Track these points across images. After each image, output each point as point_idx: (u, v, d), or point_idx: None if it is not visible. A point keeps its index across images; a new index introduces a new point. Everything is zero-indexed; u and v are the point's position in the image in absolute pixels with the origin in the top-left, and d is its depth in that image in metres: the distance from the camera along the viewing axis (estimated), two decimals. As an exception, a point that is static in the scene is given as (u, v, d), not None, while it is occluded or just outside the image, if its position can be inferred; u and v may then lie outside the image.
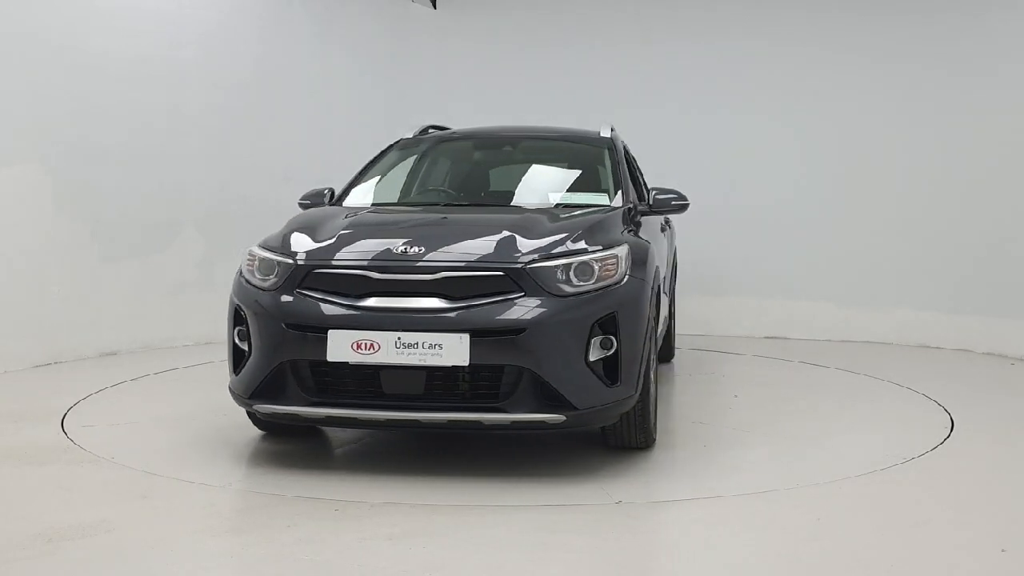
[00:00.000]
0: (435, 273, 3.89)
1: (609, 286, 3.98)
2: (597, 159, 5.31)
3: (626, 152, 5.86)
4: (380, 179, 5.54)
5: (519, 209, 4.75)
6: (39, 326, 6.65)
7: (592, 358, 3.88)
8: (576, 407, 3.83)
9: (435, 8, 9.63)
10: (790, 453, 4.52)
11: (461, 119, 7.16)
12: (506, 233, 4.14)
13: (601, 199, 4.97)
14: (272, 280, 4.10)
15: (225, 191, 7.72)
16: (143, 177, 7.29)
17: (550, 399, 3.83)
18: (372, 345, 3.82)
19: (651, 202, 5.00)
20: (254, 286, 4.15)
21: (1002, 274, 7.46)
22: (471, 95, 9.29)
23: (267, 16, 8.34)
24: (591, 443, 4.56)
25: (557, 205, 4.90)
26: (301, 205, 5.22)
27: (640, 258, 4.25)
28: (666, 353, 6.79)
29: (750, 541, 3.31)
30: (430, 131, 6.00)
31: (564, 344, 3.84)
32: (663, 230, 5.99)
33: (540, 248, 4.02)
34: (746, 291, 8.31)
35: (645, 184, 6.13)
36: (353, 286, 3.96)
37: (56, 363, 6.72)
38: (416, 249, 3.99)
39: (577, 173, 5.49)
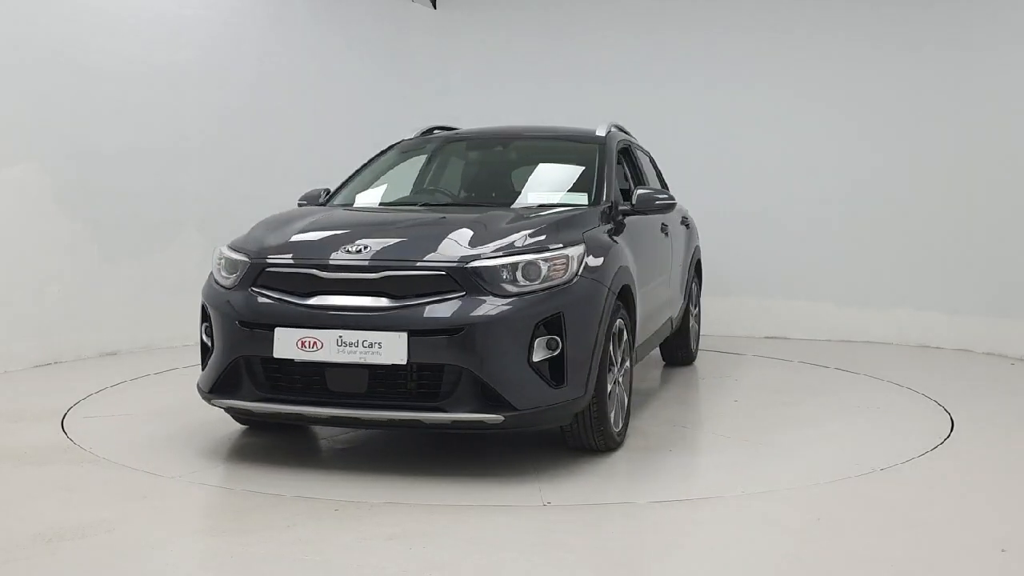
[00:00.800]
0: (379, 272, 3.93)
1: (557, 286, 3.96)
2: (587, 158, 5.25)
3: (630, 151, 5.84)
4: (373, 179, 5.59)
5: (487, 208, 4.75)
6: (39, 326, 6.65)
7: (536, 359, 3.86)
8: (516, 408, 3.81)
9: (435, 8, 9.63)
10: (761, 460, 4.40)
11: (461, 119, 7.16)
12: (456, 232, 4.15)
13: (580, 198, 4.93)
14: (233, 278, 4.20)
15: (225, 191, 7.73)
16: (143, 177, 7.29)
17: (490, 399, 3.81)
18: (316, 343, 3.86)
19: (634, 201, 4.94)
20: (219, 284, 4.27)
21: (1002, 274, 7.46)
22: (471, 95, 9.29)
23: (267, 16, 8.34)
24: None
25: (537, 205, 4.88)
26: (300, 205, 5.26)
27: (598, 258, 4.21)
28: (684, 356, 6.76)
29: (750, 541, 3.31)
30: (435, 132, 6.01)
31: (504, 344, 3.81)
32: (665, 231, 5.84)
33: (485, 247, 4.01)
34: (746, 291, 8.31)
35: (654, 183, 6.16)
36: (302, 284, 4.02)
37: (56, 363, 6.72)
38: (364, 248, 4.04)
39: (563, 172, 5.47)
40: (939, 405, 5.48)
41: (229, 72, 7.92)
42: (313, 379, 3.96)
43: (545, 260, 3.98)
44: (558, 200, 4.96)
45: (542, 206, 4.81)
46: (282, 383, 4.03)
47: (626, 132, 6.23)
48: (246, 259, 4.18)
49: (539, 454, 4.38)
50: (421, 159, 5.79)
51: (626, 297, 4.54)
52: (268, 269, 4.10)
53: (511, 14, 9.45)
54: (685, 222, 6.68)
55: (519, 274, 3.93)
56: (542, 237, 4.14)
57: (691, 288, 6.74)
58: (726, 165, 8.40)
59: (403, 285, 3.90)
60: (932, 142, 7.82)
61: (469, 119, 7.30)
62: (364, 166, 5.71)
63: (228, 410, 4.31)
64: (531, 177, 5.55)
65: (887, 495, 3.84)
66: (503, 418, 3.81)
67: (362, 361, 3.84)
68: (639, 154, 6.13)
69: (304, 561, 3.06)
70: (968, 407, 5.43)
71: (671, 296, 6.00)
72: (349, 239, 4.13)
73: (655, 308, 5.47)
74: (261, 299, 4.05)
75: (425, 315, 3.82)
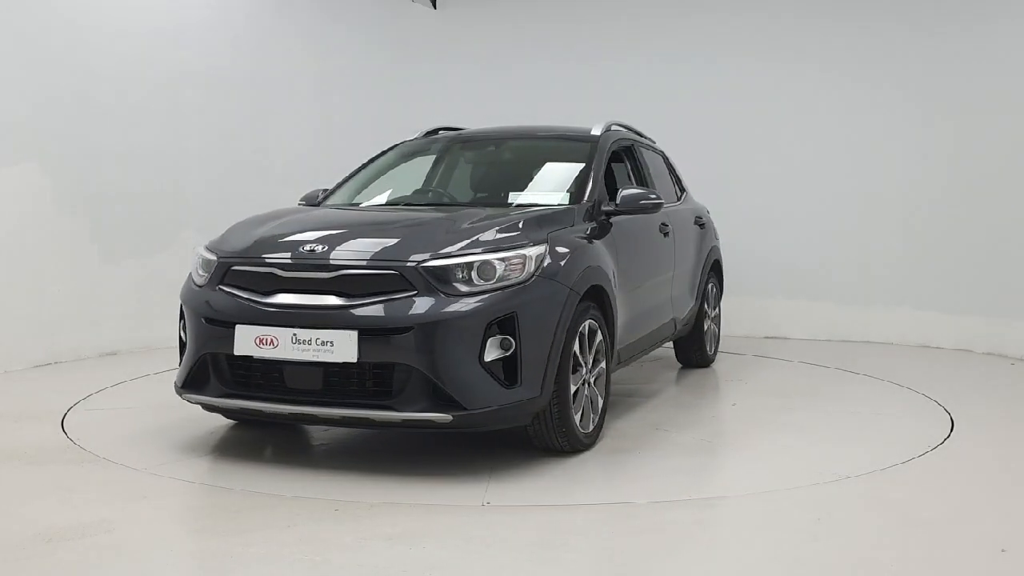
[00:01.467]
0: (333, 271, 3.97)
1: (511, 286, 3.95)
2: (576, 158, 5.22)
3: (632, 150, 5.80)
4: (368, 180, 5.65)
5: (468, 208, 4.79)
6: (39, 326, 6.66)
7: (488, 358, 3.86)
8: (465, 407, 3.81)
9: (435, 8, 9.63)
10: (717, 467, 4.39)
11: (461, 119, 7.17)
12: (414, 232, 4.19)
13: (561, 198, 4.90)
14: (205, 277, 4.32)
15: (225, 191, 7.73)
16: (143, 177, 7.30)
17: (440, 398, 3.82)
18: (272, 340, 3.93)
19: (618, 202, 4.89)
20: (194, 283, 4.39)
21: (1002, 274, 7.46)
22: (471, 95, 9.29)
23: (267, 16, 8.34)
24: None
25: (515, 204, 4.90)
26: (299, 206, 5.29)
27: (561, 258, 4.19)
28: (700, 359, 6.66)
29: (750, 541, 3.31)
30: (440, 132, 6.03)
31: (454, 343, 3.81)
32: (665, 231, 5.73)
33: (439, 247, 4.01)
34: (746, 291, 8.31)
35: (663, 183, 6.12)
36: (263, 283, 4.10)
37: (56, 363, 6.72)
38: (322, 247, 4.08)
39: (550, 172, 5.45)
40: (939, 405, 5.48)
41: (229, 72, 7.93)
42: (273, 376, 4.02)
43: (501, 260, 3.99)
44: (538, 200, 4.93)
45: (520, 206, 4.83)
46: (244, 380, 4.10)
47: (634, 131, 6.20)
48: (215, 258, 4.29)
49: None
50: (419, 159, 5.82)
51: (599, 298, 4.52)
52: (233, 268, 4.19)
53: (511, 14, 9.44)
54: (700, 222, 6.59)
55: (473, 274, 3.94)
56: (502, 237, 4.13)
57: (706, 289, 6.61)
58: (725, 165, 8.40)
59: (356, 284, 3.94)
60: (932, 142, 7.81)
61: (469, 119, 7.30)
62: (363, 166, 5.77)
63: (202, 406, 4.36)
64: (517, 177, 5.56)
65: (887, 495, 3.84)
66: (452, 418, 3.82)
67: (315, 359, 3.89)
68: (646, 153, 6.08)
69: (304, 561, 3.05)
70: (968, 407, 5.42)
71: (675, 296, 5.93)
72: (310, 239, 4.18)
73: (650, 309, 5.43)
74: (226, 297, 4.15)
75: (374, 314, 3.86)
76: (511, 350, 3.90)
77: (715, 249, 6.87)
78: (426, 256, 3.94)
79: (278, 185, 8.05)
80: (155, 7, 7.40)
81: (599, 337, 4.48)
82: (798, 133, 8.32)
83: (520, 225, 4.28)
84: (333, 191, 5.53)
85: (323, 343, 3.86)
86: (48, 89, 6.69)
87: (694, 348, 6.62)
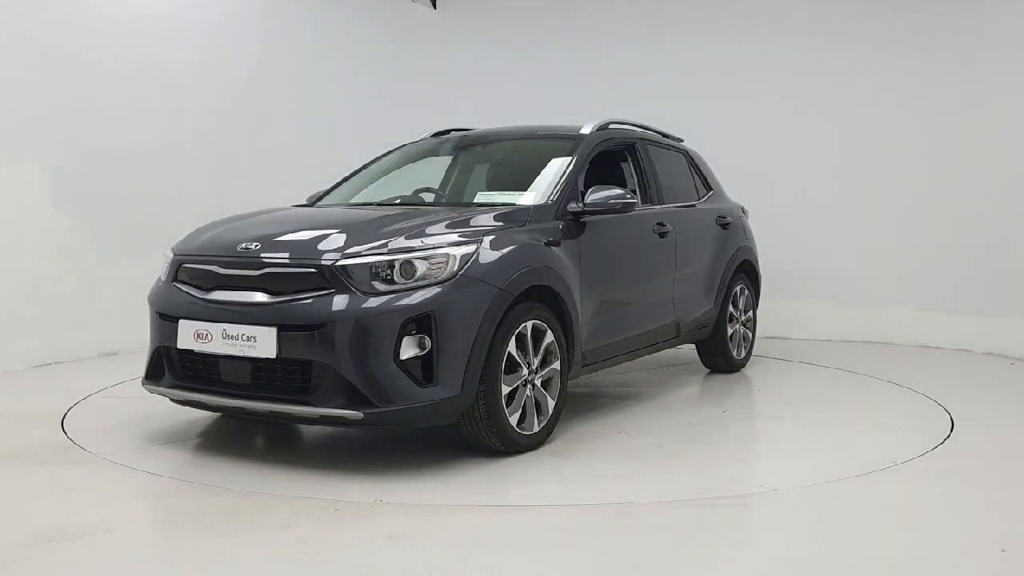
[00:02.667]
0: (261, 269, 4.09)
1: (431, 285, 3.97)
2: (555, 157, 5.17)
3: (635, 149, 5.72)
4: (363, 180, 5.72)
5: (421, 207, 4.91)
6: (39, 326, 6.66)
7: (404, 356, 3.88)
8: (376, 405, 3.85)
9: (435, 8, 9.64)
10: (687, 471, 4.27)
11: (461, 119, 7.18)
12: (343, 230, 4.20)
13: (525, 197, 4.86)
14: (164, 274, 4.53)
15: (225, 192, 7.73)
16: (143, 177, 7.30)
17: (354, 395, 3.87)
18: (207, 335, 4.11)
19: (586, 202, 4.84)
20: (160, 280, 4.59)
21: (1002, 274, 7.46)
22: (471, 95, 9.30)
23: (267, 17, 8.34)
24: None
25: (477, 204, 4.94)
26: (290, 206, 5.37)
27: (491, 258, 4.17)
28: (726, 363, 6.46)
29: (750, 541, 3.31)
30: (452, 133, 6.06)
31: (367, 341, 3.84)
32: (662, 232, 5.58)
33: (360, 245, 4.05)
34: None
35: (676, 182, 6.05)
36: (205, 280, 4.27)
37: (56, 363, 6.72)
38: (255, 246, 4.20)
39: (524, 171, 5.38)
40: (939, 405, 5.48)
41: (229, 72, 7.93)
42: (212, 369, 4.17)
43: (423, 259, 4.01)
44: (505, 199, 4.91)
45: (481, 205, 4.86)
46: (191, 372, 4.27)
47: (651, 128, 6.13)
48: (171, 256, 4.52)
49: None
50: (417, 160, 5.84)
51: (551, 299, 4.50)
52: (184, 265, 4.39)
53: (511, 14, 9.45)
54: (723, 222, 6.43)
55: (395, 272, 3.97)
56: (430, 236, 4.15)
57: (731, 291, 6.43)
58: (725, 166, 8.38)
59: (280, 282, 4.04)
60: (931, 142, 7.81)
61: (469, 119, 7.31)
62: (364, 166, 5.84)
63: (168, 398, 4.51)
64: (496, 177, 5.57)
65: (887, 495, 3.84)
66: (363, 415, 3.86)
67: (242, 354, 4.01)
68: (656, 151, 5.98)
69: (304, 561, 3.05)
70: (968, 407, 5.42)
71: (679, 298, 5.77)
72: (250, 237, 4.29)
73: (638, 310, 5.34)
74: (176, 293, 4.35)
75: (292, 311, 3.95)
76: (428, 349, 3.91)
77: (744, 250, 6.63)
78: (344, 254, 4.01)
79: (278, 185, 8.06)
80: (155, 7, 7.40)
81: (549, 339, 4.45)
82: (796, 133, 8.32)
83: (452, 225, 4.30)
84: (329, 191, 5.68)
85: (248, 338, 3.99)
86: (48, 89, 6.69)
87: (717, 352, 6.43)
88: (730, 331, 6.47)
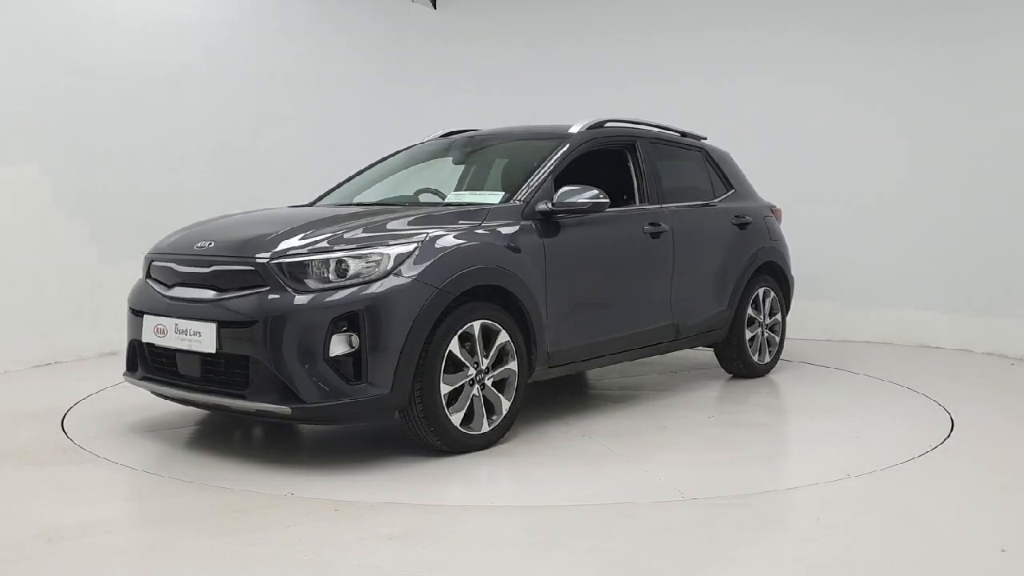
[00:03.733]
0: (210, 266, 4.26)
1: (363, 283, 4.02)
2: (536, 156, 5.17)
3: (635, 149, 5.65)
4: (361, 181, 5.76)
5: (390, 206, 4.95)
6: (39, 326, 6.66)
7: (334, 354, 3.93)
8: (303, 401, 3.91)
9: (435, 8, 9.64)
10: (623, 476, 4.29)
11: (461, 119, 7.18)
12: (287, 229, 4.28)
13: (492, 197, 4.89)
14: (143, 271, 4.76)
15: (225, 191, 7.74)
16: (143, 177, 7.30)
17: (283, 391, 3.95)
18: (164, 329, 4.31)
19: (554, 201, 4.82)
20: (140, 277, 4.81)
21: (1002, 274, 7.46)
22: (471, 95, 9.30)
23: (267, 16, 8.34)
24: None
25: (444, 203, 4.99)
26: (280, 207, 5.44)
27: (431, 258, 4.19)
28: (744, 368, 6.27)
29: (750, 541, 3.31)
30: (463, 134, 6.08)
31: (296, 338, 3.92)
32: (656, 233, 5.44)
33: (298, 244, 4.13)
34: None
35: (684, 182, 5.98)
36: (168, 276, 4.49)
37: (56, 363, 6.72)
38: (209, 244, 4.37)
39: (504, 171, 5.42)
40: (939, 405, 5.48)
41: (229, 72, 7.93)
42: (172, 363, 4.36)
43: (357, 257, 4.07)
44: (476, 199, 4.93)
45: (449, 204, 4.90)
46: (155, 365, 4.49)
47: (659, 126, 6.04)
48: (146, 254, 4.76)
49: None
50: (422, 160, 5.86)
51: (508, 299, 4.50)
52: (153, 263, 4.63)
53: (511, 14, 9.45)
54: (741, 222, 6.24)
55: (328, 271, 4.04)
56: (369, 235, 4.21)
57: (749, 293, 6.23)
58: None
59: (224, 279, 4.20)
60: (931, 142, 7.81)
61: (470, 119, 7.31)
62: (368, 167, 5.90)
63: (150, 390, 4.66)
64: (475, 176, 5.58)
65: (887, 495, 3.84)
66: (290, 410, 3.93)
67: (190, 348, 4.19)
68: (664, 150, 5.89)
69: (304, 561, 3.05)
70: (968, 407, 5.42)
71: (679, 300, 5.62)
72: (210, 236, 4.46)
73: (625, 312, 5.25)
74: (146, 289, 4.60)
75: (230, 308, 4.08)
76: (357, 347, 3.96)
77: (768, 251, 6.41)
78: (280, 253, 4.09)
79: (277, 185, 8.06)
80: (155, 6, 7.41)
81: (503, 339, 4.45)
82: (795, 133, 8.31)
83: (396, 224, 4.34)
84: (332, 190, 5.74)
85: (194, 333, 4.16)
86: (48, 89, 6.69)
87: (734, 356, 6.25)
88: (750, 335, 6.27)
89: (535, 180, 4.91)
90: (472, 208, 4.69)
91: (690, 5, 8.78)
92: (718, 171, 6.40)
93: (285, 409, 3.94)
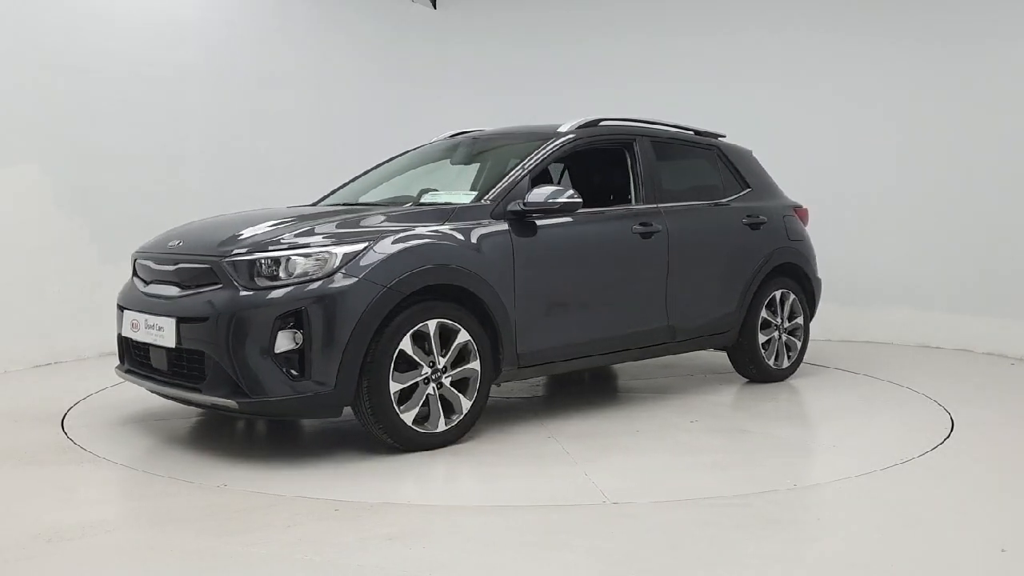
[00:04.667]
0: (175, 264, 4.44)
1: (310, 281, 4.10)
2: (519, 156, 5.16)
3: (632, 147, 5.57)
4: (362, 181, 5.80)
5: (378, 207, 5.01)
6: (39, 326, 6.66)
7: (279, 350, 4.02)
8: (249, 395, 4.03)
9: (435, 8, 9.64)
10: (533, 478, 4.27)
11: (461, 119, 7.17)
12: (247, 228, 4.45)
13: (465, 197, 4.91)
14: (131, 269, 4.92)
15: (225, 191, 7.74)
16: (143, 177, 7.30)
17: (232, 385, 4.08)
18: (138, 324, 4.50)
19: (525, 202, 4.81)
20: None
21: (1002, 274, 7.46)
22: (471, 95, 9.30)
23: (267, 16, 8.34)
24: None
25: (410, 204, 5.01)
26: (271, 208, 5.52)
27: (379, 257, 4.24)
28: (759, 373, 6.10)
29: (750, 541, 3.30)
30: (467, 134, 6.09)
31: (243, 334, 4.03)
32: (646, 233, 5.34)
33: (249, 243, 4.26)
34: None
35: (717, 180, 5.94)
36: (146, 274, 4.68)
37: (56, 363, 6.72)
38: (178, 243, 4.59)
39: (485, 171, 5.40)
40: (939, 405, 5.48)
41: (229, 72, 7.93)
42: (146, 356, 4.53)
43: (304, 256, 4.16)
44: (450, 199, 4.95)
45: (421, 204, 4.95)
46: (135, 359, 4.67)
47: (655, 124, 5.91)
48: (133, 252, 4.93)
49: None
50: (427, 160, 5.86)
51: (469, 299, 4.51)
52: (137, 260, 4.81)
53: (511, 14, 9.45)
54: (753, 222, 6.07)
55: (278, 269, 4.15)
56: (319, 234, 4.30)
57: (762, 295, 6.03)
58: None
59: (187, 277, 4.36)
60: (932, 141, 7.81)
61: (469, 119, 7.31)
62: (375, 166, 5.96)
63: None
64: (466, 176, 5.57)
65: (887, 495, 3.84)
66: (237, 404, 4.06)
67: (155, 342, 4.36)
68: (663, 149, 5.78)
69: (304, 561, 3.05)
70: (968, 407, 5.42)
71: (675, 299, 5.50)
72: (180, 235, 4.67)
73: (603, 313, 5.16)
74: (131, 286, 4.79)
75: (187, 304, 4.25)
76: (300, 344, 4.05)
77: (785, 251, 6.21)
78: (232, 251, 4.23)
79: (277, 185, 8.06)
80: (155, 6, 7.41)
81: (463, 338, 4.46)
82: (795, 134, 8.31)
83: (349, 224, 4.42)
84: (336, 190, 5.78)
85: (159, 329, 4.33)
86: (48, 89, 6.69)
87: (746, 360, 6.08)
88: (764, 338, 6.08)
89: (508, 180, 4.92)
90: (438, 208, 4.73)
91: (690, 4, 8.78)
92: (732, 169, 6.26)
93: (232, 403, 4.06)
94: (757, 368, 6.11)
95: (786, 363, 6.29)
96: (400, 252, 4.31)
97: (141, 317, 4.45)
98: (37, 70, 6.63)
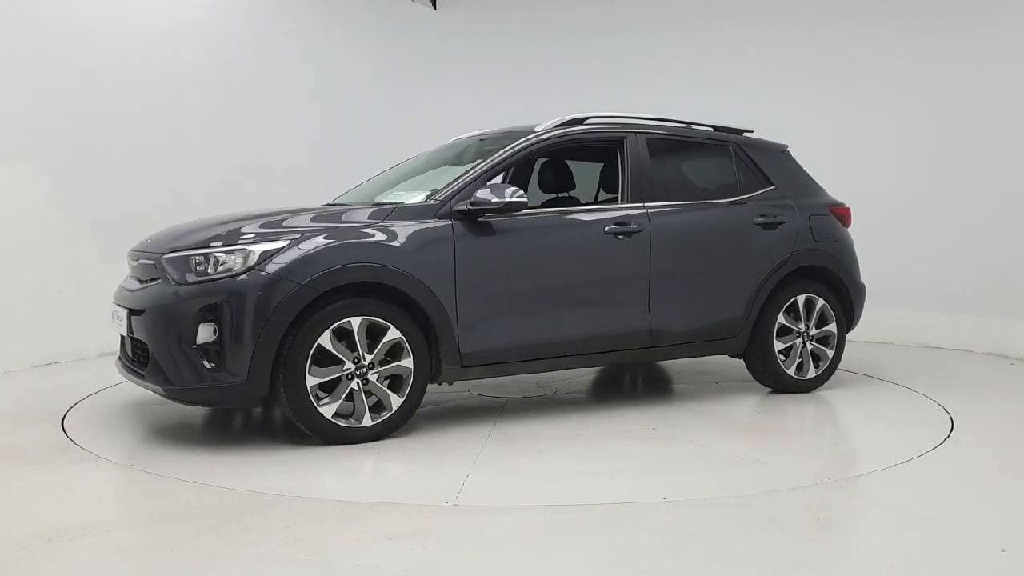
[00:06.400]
0: (137, 261, 4.79)
1: (230, 277, 4.32)
2: (485, 156, 5.16)
3: (622, 146, 5.43)
4: (368, 182, 5.81)
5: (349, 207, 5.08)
6: (39, 326, 6.66)
7: (200, 342, 4.26)
8: (172, 383, 4.33)
9: (435, 8, 9.64)
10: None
11: (461, 119, 7.17)
12: (200, 226, 4.71)
13: (416, 197, 4.98)
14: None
15: (225, 191, 7.74)
16: (143, 177, 7.30)
17: (162, 373, 4.37)
18: (113, 316, 4.83)
19: (471, 200, 4.81)
20: None
21: (1002, 274, 7.46)
22: (471, 95, 9.30)
23: (267, 16, 8.35)
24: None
25: (374, 204, 5.09)
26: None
27: (297, 255, 4.39)
28: (776, 382, 5.75)
29: (750, 541, 3.30)
30: (472, 135, 6.10)
31: (169, 326, 4.32)
32: (625, 232, 5.19)
33: (186, 241, 4.56)
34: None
35: (732, 178, 5.76)
36: (128, 270, 5.01)
37: (56, 363, 6.72)
38: (147, 241, 4.91)
39: (447, 172, 5.34)
40: (939, 405, 5.48)
41: (229, 72, 7.93)
42: (123, 345, 4.88)
43: (228, 253, 4.39)
44: (404, 199, 5.02)
45: (381, 204, 5.01)
46: (124, 351, 4.92)
47: (657, 120, 5.75)
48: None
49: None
50: (446, 162, 5.84)
51: (401, 296, 4.57)
52: (128, 258, 5.03)
53: (511, 14, 9.45)
54: (767, 223, 5.74)
55: (206, 265, 4.39)
56: (244, 232, 4.50)
57: (777, 299, 5.70)
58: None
59: (142, 272, 4.71)
60: (931, 141, 7.81)
61: (469, 119, 7.31)
62: (394, 166, 6.01)
63: None
64: (432, 180, 5.48)
65: (887, 495, 3.84)
66: (164, 391, 4.39)
67: (119, 332, 4.77)
68: (660, 146, 5.58)
69: (304, 561, 3.05)
70: (968, 407, 5.42)
71: (659, 302, 5.29)
72: (154, 234, 4.97)
73: (566, 314, 5.05)
74: (122, 282, 5.05)
75: (135, 298, 4.61)
76: (216, 336, 4.28)
77: (807, 253, 5.83)
78: (170, 248, 4.55)
79: (277, 185, 8.06)
80: (155, 7, 7.41)
81: (392, 336, 4.53)
82: (793, 133, 8.29)
83: (282, 223, 4.58)
84: (352, 190, 5.84)
85: (120, 319, 4.69)
86: (48, 89, 6.69)
87: (760, 369, 5.77)
88: (782, 346, 5.72)
89: (460, 180, 4.94)
90: (378, 208, 4.83)
91: (690, 3, 8.78)
92: (752, 167, 5.95)
93: (159, 389, 4.40)
94: (773, 377, 5.76)
95: (811, 373, 5.86)
96: (317, 251, 4.44)
97: (115, 310, 4.80)
98: (37, 70, 6.63)
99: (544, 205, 5.70)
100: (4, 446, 4.49)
